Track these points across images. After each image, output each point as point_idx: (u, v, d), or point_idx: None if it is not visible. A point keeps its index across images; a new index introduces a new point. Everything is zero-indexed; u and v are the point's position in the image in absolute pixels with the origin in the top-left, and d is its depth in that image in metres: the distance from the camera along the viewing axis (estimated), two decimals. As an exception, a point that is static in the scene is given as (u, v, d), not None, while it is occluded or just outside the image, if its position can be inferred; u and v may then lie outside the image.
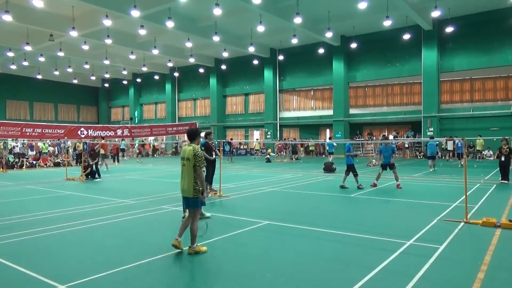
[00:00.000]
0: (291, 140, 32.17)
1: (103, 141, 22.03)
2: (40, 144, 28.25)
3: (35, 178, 17.43)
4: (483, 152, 26.50)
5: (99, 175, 16.69)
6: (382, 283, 4.51)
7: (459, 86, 29.45)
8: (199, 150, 5.67)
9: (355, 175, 12.72)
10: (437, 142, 19.37)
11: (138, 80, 47.66)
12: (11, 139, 27.01)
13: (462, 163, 20.46)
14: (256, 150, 34.51)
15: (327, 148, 24.96)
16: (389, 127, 33.18)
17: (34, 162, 24.91)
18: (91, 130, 31.93)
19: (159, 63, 41.54)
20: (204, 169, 10.96)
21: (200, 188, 5.64)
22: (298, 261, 5.31)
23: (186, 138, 6.16)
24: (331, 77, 33.42)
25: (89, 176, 16.43)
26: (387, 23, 23.86)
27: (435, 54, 28.43)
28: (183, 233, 5.78)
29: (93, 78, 45.81)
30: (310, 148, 34.24)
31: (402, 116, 30.91)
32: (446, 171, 18.24)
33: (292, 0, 22.82)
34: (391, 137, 31.34)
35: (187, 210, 5.93)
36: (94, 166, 16.58)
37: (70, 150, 27.76)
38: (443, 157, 27.40)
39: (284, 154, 29.67)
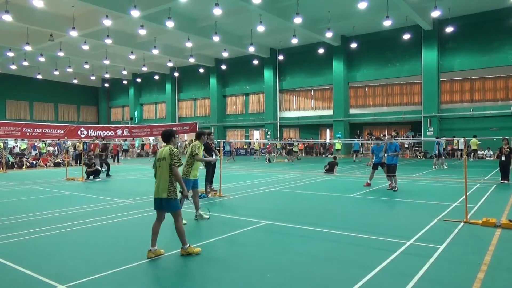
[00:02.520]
0: (283, 141, 31.90)
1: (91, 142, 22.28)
2: (39, 144, 28.27)
3: (35, 178, 17.42)
4: (481, 152, 26.57)
5: (108, 172, 17.56)
6: (382, 283, 4.51)
7: (459, 86, 29.46)
8: (175, 150, 5.57)
9: (393, 176, 11.96)
10: (440, 141, 19.54)
11: (138, 80, 47.69)
12: (13, 139, 27.02)
13: (435, 166, 20.10)
14: (256, 150, 34.47)
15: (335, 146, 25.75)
16: (389, 127, 33.17)
17: (34, 162, 24.91)
18: (91, 130, 31.93)
19: (159, 63, 41.56)
20: (204, 168, 10.95)
21: (175, 189, 5.48)
22: (298, 261, 5.31)
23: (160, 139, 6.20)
24: (331, 77, 33.43)
25: (90, 176, 16.43)
26: (387, 23, 23.87)
27: (435, 54, 28.43)
28: (184, 237, 5.56)
29: (93, 78, 45.85)
30: (294, 149, 28.75)
31: (402, 116, 30.92)
32: (446, 171, 18.25)
33: (292, 0, 22.82)
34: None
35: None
36: (104, 163, 17.66)
37: (71, 150, 27.76)
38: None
39: (281, 154, 29.50)
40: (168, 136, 5.68)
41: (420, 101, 29.98)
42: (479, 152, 27.11)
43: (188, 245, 5.52)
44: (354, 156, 26.79)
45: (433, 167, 19.81)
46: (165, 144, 5.70)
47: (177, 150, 5.62)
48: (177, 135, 5.93)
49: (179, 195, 5.69)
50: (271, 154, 28.41)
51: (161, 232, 5.70)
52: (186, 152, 8.27)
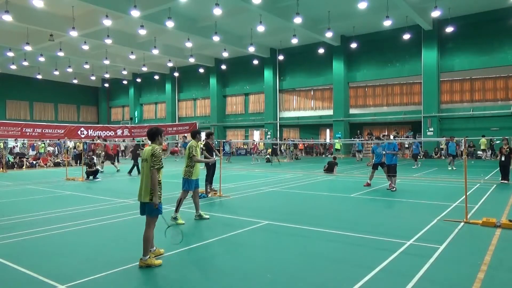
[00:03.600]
0: (270, 140, 31.82)
1: (103, 142, 22.22)
2: (38, 143, 28.28)
3: (35, 178, 17.41)
4: (481, 152, 26.60)
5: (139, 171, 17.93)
6: (382, 283, 4.51)
7: (459, 86, 29.45)
8: (158, 150, 5.22)
9: (393, 176, 11.93)
10: (455, 142, 19.01)
11: (138, 80, 47.68)
12: (13, 139, 27.01)
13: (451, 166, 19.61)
14: (260, 150, 34.72)
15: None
16: (389, 127, 33.18)
17: (34, 162, 24.90)
18: (91, 130, 31.92)
19: (159, 63, 41.54)
20: (204, 167, 10.95)
21: (161, 193, 5.24)
22: (298, 261, 5.31)
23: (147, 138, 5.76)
24: (331, 77, 33.42)
25: (90, 176, 16.44)
26: (387, 23, 23.86)
27: (435, 54, 28.43)
28: (148, 247, 5.28)
29: (93, 78, 45.84)
30: (291, 149, 29.58)
31: (402, 116, 30.91)
32: (447, 171, 18.24)
33: (292, 0, 22.82)
34: (391, 136, 31.36)
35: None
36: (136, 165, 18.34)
37: (72, 151, 27.76)
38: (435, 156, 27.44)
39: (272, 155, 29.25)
40: (153, 135, 5.33)
41: (420, 101, 29.97)
42: (478, 152, 27.14)
43: (149, 256, 5.15)
44: (358, 155, 26.99)
45: (452, 168, 19.12)
46: (150, 143, 5.40)
47: (160, 150, 5.32)
48: (163, 135, 5.67)
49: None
50: (254, 154, 28.06)
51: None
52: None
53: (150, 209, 5.23)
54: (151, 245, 5.32)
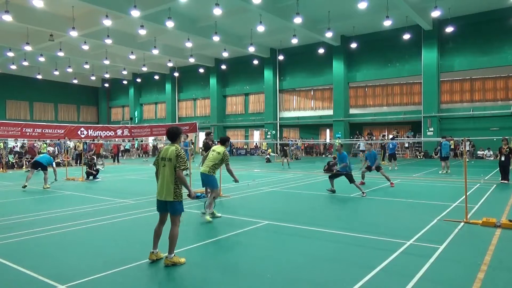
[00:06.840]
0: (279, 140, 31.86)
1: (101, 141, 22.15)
2: (39, 143, 28.23)
3: (35, 178, 17.39)
4: (481, 152, 26.61)
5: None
6: (382, 283, 4.51)
7: (459, 86, 29.45)
8: (182, 151, 5.28)
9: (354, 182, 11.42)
10: (451, 143, 17.04)
11: (138, 80, 47.68)
12: (13, 139, 26.99)
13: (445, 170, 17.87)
14: (264, 150, 34.86)
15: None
16: (389, 127, 33.18)
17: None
18: (91, 130, 31.89)
19: (159, 63, 41.55)
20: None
21: (181, 191, 5.29)
22: (298, 261, 5.31)
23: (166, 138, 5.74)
24: (331, 77, 33.43)
25: (90, 176, 16.43)
26: (387, 23, 23.86)
27: (435, 54, 28.43)
28: (174, 245, 5.30)
29: (93, 78, 45.85)
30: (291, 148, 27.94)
31: (402, 116, 30.92)
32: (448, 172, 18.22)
33: (292, 0, 22.82)
34: (391, 136, 31.38)
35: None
36: None
37: (73, 151, 27.76)
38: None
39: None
40: (175, 135, 5.37)
41: (420, 101, 29.97)
42: (478, 152, 27.14)
43: (174, 254, 5.22)
44: (362, 155, 27.23)
45: (443, 170, 17.30)
46: (170, 143, 5.45)
47: (183, 151, 5.36)
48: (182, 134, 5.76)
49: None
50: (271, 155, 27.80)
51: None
52: (209, 154, 8.58)
53: (173, 208, 5.25)
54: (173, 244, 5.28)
